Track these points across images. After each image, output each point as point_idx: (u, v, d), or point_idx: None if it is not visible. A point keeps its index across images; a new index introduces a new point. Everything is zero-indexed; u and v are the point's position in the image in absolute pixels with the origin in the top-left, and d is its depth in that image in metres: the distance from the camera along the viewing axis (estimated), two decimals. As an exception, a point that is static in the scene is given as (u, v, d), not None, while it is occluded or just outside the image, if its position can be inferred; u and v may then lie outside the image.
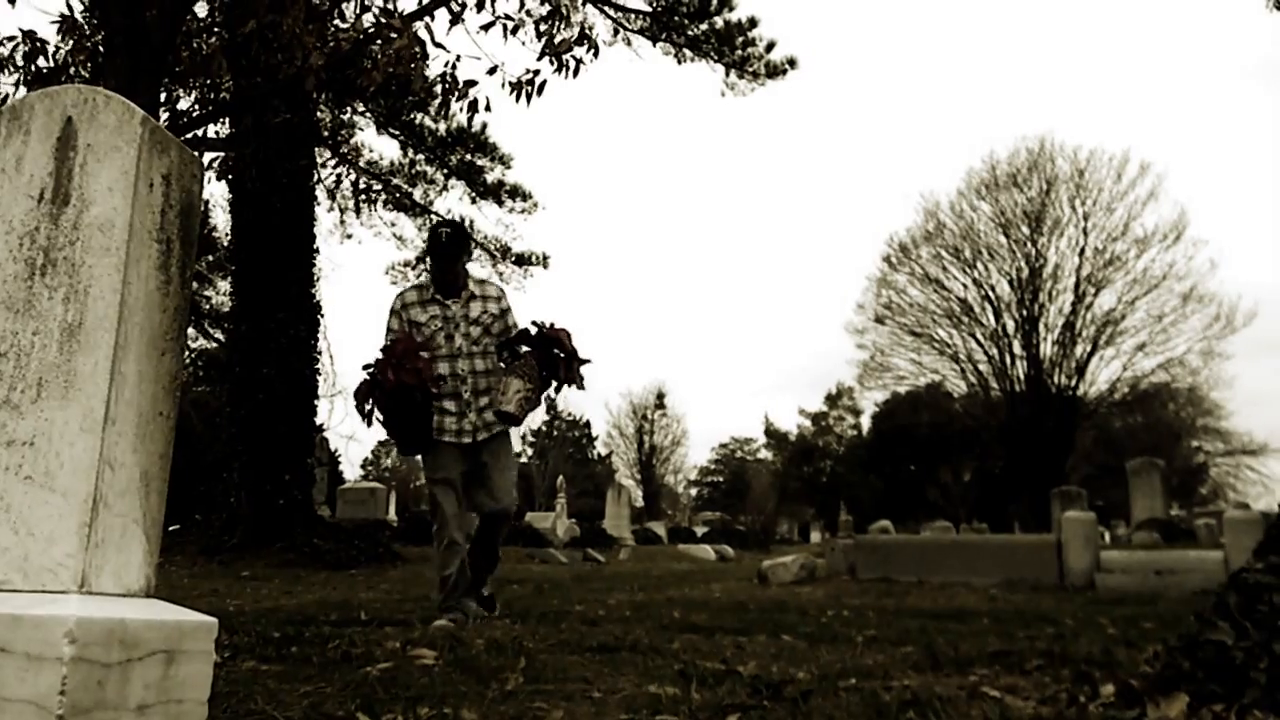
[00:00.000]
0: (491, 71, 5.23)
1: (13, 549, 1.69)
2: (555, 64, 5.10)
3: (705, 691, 2.52)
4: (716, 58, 16.69)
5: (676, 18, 16.24)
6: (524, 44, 4.96)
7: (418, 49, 4.49)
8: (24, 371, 1.75)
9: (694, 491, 62.46)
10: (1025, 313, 33.75)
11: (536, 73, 5.19)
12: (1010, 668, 3.14)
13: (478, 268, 17.97)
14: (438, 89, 4.92)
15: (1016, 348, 34.01)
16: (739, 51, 16.58)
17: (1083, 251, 33.04)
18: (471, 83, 5.00)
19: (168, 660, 1.71)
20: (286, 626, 4.15)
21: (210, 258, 16.23)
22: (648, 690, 2.54)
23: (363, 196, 14.68)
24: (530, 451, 54.19)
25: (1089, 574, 8.05)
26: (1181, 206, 39.04)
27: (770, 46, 16.62)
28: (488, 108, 5.07)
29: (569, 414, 57.83)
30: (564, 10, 5.41)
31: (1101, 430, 37.48)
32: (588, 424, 58.26)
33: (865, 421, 52.71)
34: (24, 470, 1.71)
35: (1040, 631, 4.49)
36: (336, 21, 5.38)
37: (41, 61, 5.37)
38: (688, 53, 16.50)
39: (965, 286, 34.77)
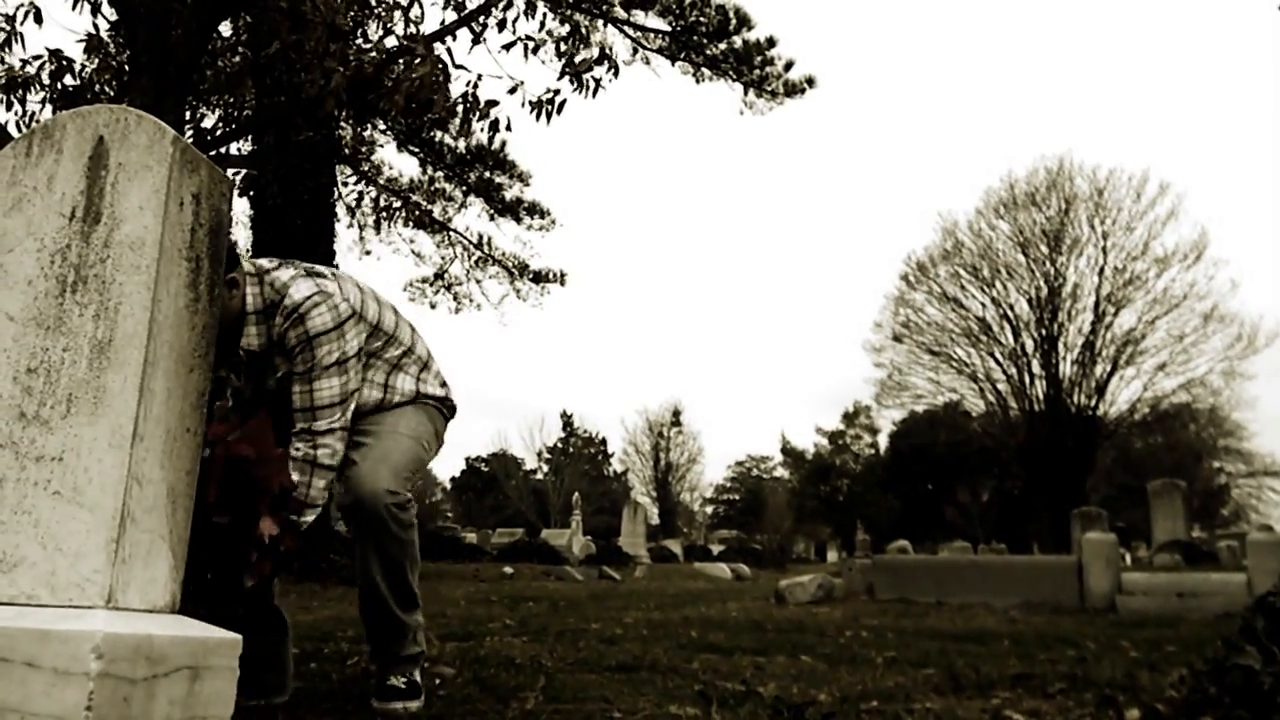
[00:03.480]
0: (513, 91, 5.27)
1: (41, 564, 1.70)
2: (575, 83, 5.14)
3: (726, 713, 2.51)
4: (735, 77, 16.75)
5: (695, 37, 16.31)
6: (544, 63, 4.98)
7: (439, 71, 4.53)
8: (54, 387, 1.77)
9: (710, 509, 62.26)
10: (1044, 332, 33.55)
11: (557, 92, 5.23)
12: (1033, 691, 3.12)
13: (495, 286, 18.06)
14: (459, 109, 4.95)
15: (1035, 367, 33.80)
16: (757, 70, 16.64)
17: (1102, 271, 32.86)
18: (493, 103, 5.04)
19: (193, 676, 1.71)
20: (304, 643, 4.15)
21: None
22: (668, 710, 2.53)
23: (383, 213, 14.76)
24: (546, 468, 54.21)
25: (1110, 596, 7.97)
26: (1202, 226, 38.93)
27: (789, 65, 16.67)
28: (508, 127, 5.10)
29: (585, 431, 57.86)
30: (583, 30, 5.44)
31: (1122, 451, 37.16)
32: (604, 441, 58.22)
33: (883, 440, 52.53)
34: (52, 485, 1.73)
35: (1062, 654, 4.45)
36: (359, 42, 5.43)
37: (68, 80, 5.44)
38: (706, 72, 16.56)
39: (984, 305, 34.61)
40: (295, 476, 2.45)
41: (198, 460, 1.92)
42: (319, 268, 2.63)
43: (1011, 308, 34.09)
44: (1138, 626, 6.27)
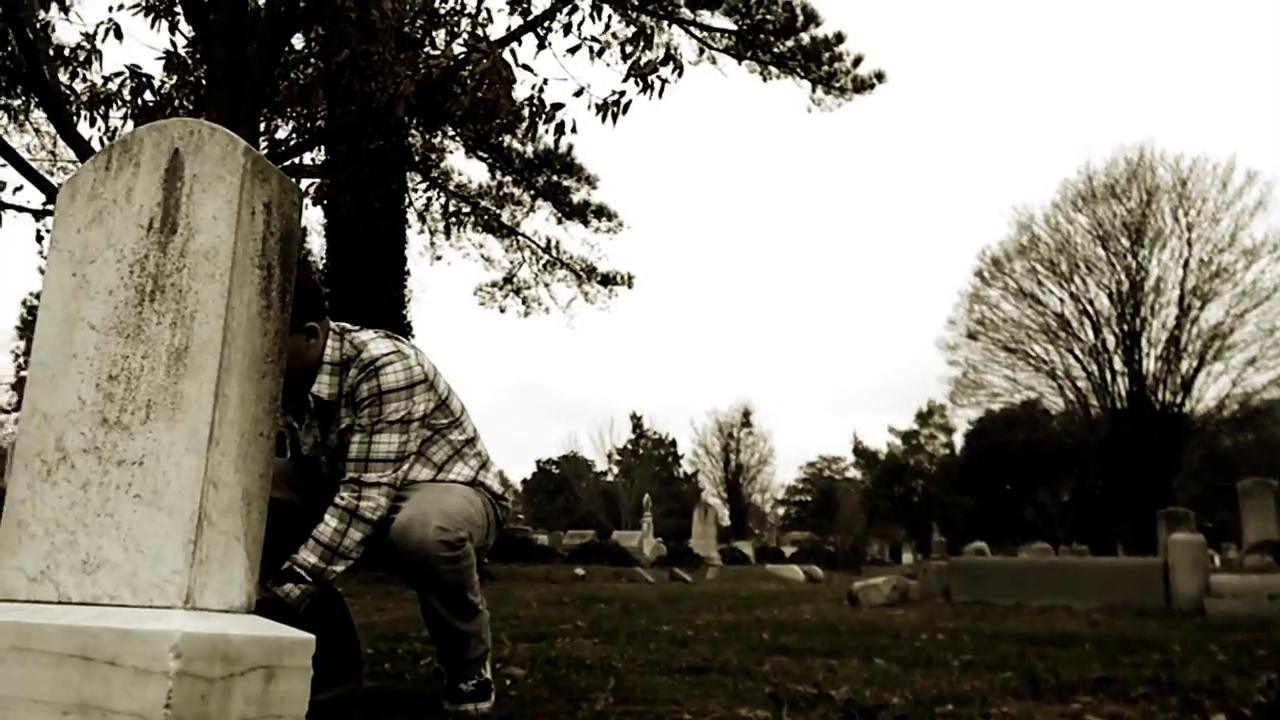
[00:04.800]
0: (578, 94, 5.30)
1: (123, 565, 1.75)
2: (640, 85, 5.14)
3: (797, 715, 2.48)
4: (803, 74, 16.64)
5: (762, 35, 16.24)
6: (608, 66, 5.00)
7: (504, 73, 4.57)
8: (134, 394, 1.82)
9: (781, 511, 61.88)
10: (1126, 327, 32.64)
11: (622, 94, 5.24)
12: (1115, 696, 3.03)
13: (564, 289, 18.16)
14: (525, 112, 4.99)
15: (1117, 363, 32.90)
16: (825, 67, 16.50)
17: (1186, 264, 31.86)
18: (559, 105, 5.07)
19: (268, 676, 1.75)
20: (379, 643, 4.22)
21: (320, 289, 16.75)
22: (739, 713, 2.51)
23: (451, 219, 14.97)
24: (616, 470, 54.39)
25: (1197, 598, 7.72)
26: (1292, 215, 37.44)
27: (858, 61, 16.51)
28: (574, 129, 5.13)
29: (654, 432, 57.93)
30: (649, 32, 5.45)
31: (1210, 449, 36.03)
32: (674, 442, 58.25)
33: (958, 440, 51.64)
34: (133, 489, 1.78)
35: (1146, 658, 4.32)
36: (427, 49, 5.50)
37: (148, 96, 5.61)
38: (773, 70, 16.48)
39: (1062, 301, 33.80)
40: (333, 524, 2.44)
41: (271, 463, 1.96)
42: (398, 336, 2.69)
43: (1091, 303, 33.25)
44: (1227, 630, 6.06)
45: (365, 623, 5.76)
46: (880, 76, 16.57)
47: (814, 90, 16.55)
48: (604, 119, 5.23)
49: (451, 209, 15.46)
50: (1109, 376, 33.05)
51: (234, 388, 1.84)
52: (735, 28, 15.95)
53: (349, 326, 2.65)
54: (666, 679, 3.22)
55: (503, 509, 2.84)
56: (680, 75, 5.39)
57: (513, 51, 4.91)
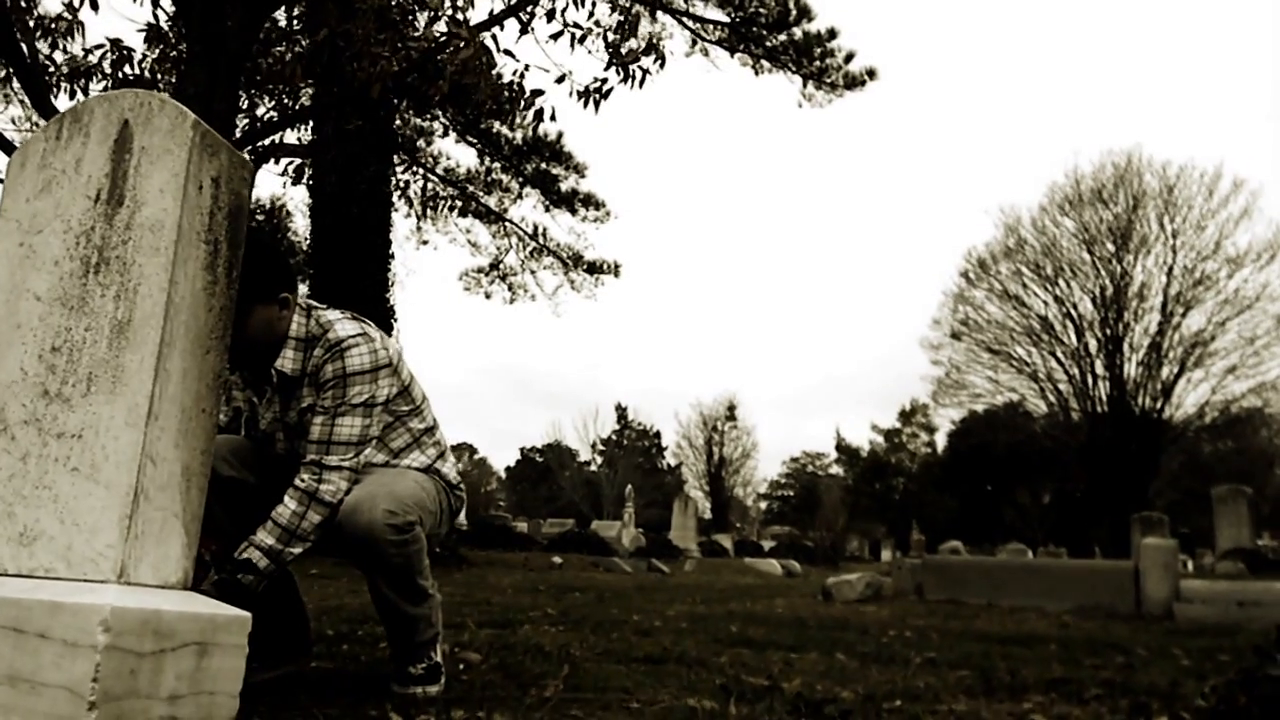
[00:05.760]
0: (560, 80, 5.28)
1: (59, 538, 1.74)
2: (621, 74, 5.12)
3: (744, 707, 2.48)
4: (794, 69, 16.60)
5: (755, 29, 16.19)
6: (590, 53, 4.97)
7: (483, 59, 4.54)
8: (75, 366, 1.80)
9: (764, 505, 62.04)
10: (1109, 332, 32.81)
11: (604, 81, 5.22)
12: (1068, 696, 3.04)
13: (550, 276, 18.12)
14: (504, 96, 4.97)
15: (1099, 368, 33.07)
16: (817, 63, 16.48)
17: (1171, 270, 32.03)
18: (538, 92, 5.05)
19: (201, 652, 1.74)
20: (343, 625, 4.21)
21: (291, 261, 16.66)
22: (686, 703, 2.51)
23: (429, 202, 14.91)
24: (599, 460, 54.41)
25: (1167, 603, 7.77)
26: (1277, 225, 37.76)
27: (849, 57, 16.49)
28: (553, 117, 5.11)
29: (639, 423, 57.97)
30: (637, 19, 5.43)
31: (1190, 455, 36.24)
32: (658, 434, 58.31)
33: (940, 439, 51.87)
34: (71, 462, 1.76)
35: (1109, 660, 4.34)
36: (409, 30, 5.47)
37: (128, 69, 5.56)
38: (766, 64, 16.45)
39: (1046, 304, 33.96)
40: (292, 506, 2.41)
41: (213, 440, 1.94)
42: (365, 319, 2.65)
43: (1075, 307, 33.41)
44: (1194, 635, 6.10)
45: (336, 604, 5.75)
46: (871, 74, 16.56)
47: (805, 85, 16.53)
48: (585, 105, 5.21)
49: (429, 193, 15.39)
50: (1090, 380, 33.25)
51: (175, 362, 1.82)
52: (728, 20, 15.91)
53: (315, 304, 2.62)
54: (622, 668, 3.22)
55: (457, 499, 2.80)
56: (662, 66, 5.37)
57: (494, 37, 4.89)
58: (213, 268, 1.92)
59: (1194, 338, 31.99)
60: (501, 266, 18.04)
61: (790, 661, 3.66)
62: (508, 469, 62.71)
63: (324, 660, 3.17)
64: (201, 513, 1.92)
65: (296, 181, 6.30)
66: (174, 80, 5.99)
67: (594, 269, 17.72)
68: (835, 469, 61.27)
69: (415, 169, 15.21)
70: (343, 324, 2.54)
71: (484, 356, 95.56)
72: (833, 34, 16.19)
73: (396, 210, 14.18)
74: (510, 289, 18.29)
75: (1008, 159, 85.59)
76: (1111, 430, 31.84)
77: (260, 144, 6.43)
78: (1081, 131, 75.07)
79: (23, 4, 5.60)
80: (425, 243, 17.83)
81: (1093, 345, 33.27)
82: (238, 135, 5.97)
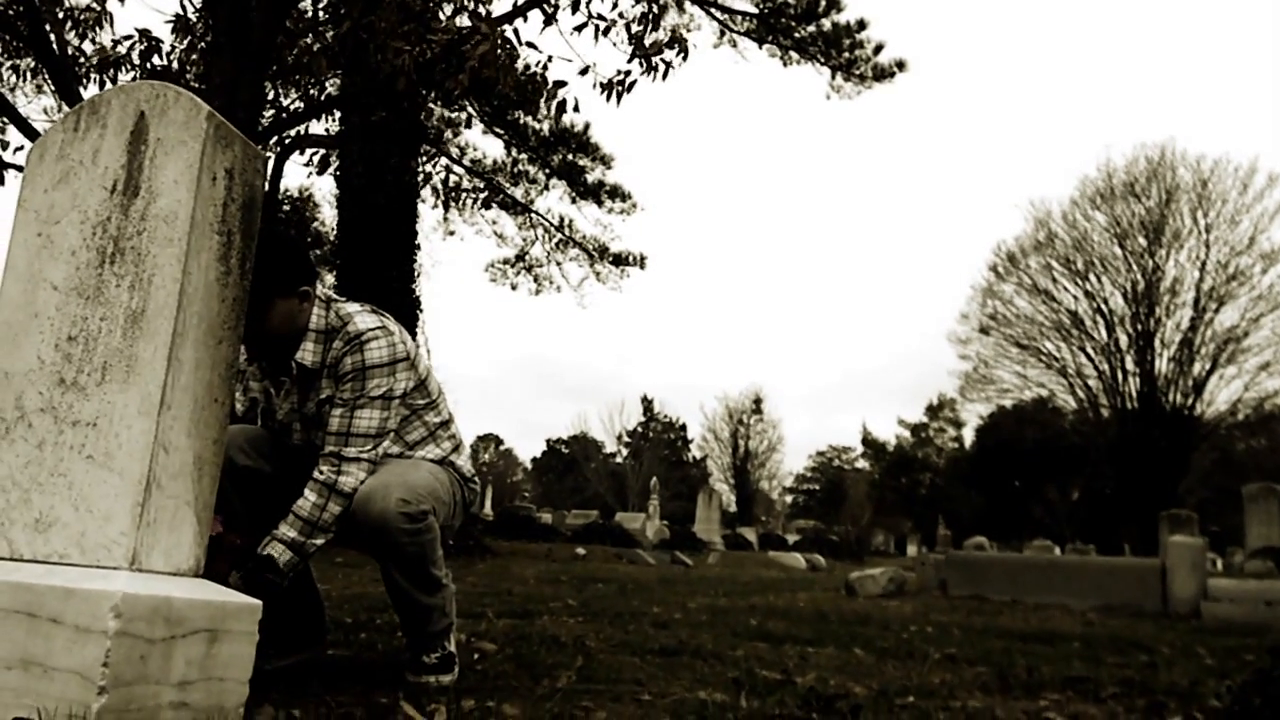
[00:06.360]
0: (583, 72, 5.27)
1: (73, 525, 1.76)
2: (644, 66, 5.11)
3: (755, 700, 2.48)
4: (823, 60, 16.49)
5: (783, 20, 16.09)
6: (614, 45, 4.97)
7: (504, 51, 4.54)
8: (91, 355, 1.82)
9: (789, 498, 61.91)
10: (1140, 327, 32.41)
11: (627, 73, 5.21)
12: (1085, 695, 3.02)
13: (576, 268, 18.13)
14: (527, 88, 4.97)
15: (1129, 363, 32.68)
16: (846, 54, 16.36)
17: (1203, 265, 31.58)
18: (561, 83, 5.05)
19: (211, 639, 1.76)
20: (362, 613, 4.25)
21: (317, 252, 16.76)
22: (697, 696, 2.52)
23: (452, 194, 14.95)
24: (625, 452, 54.49)
25: (1194, 602, 7.68)
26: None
27: (879, 49, 16.36)
28: (576, 108, 5.11)
29: (664, 416, 57.97)
30: (655, 12, 5.41)
31: (1223, 452, 35.77)
32: (683, 426, 58.29)
33: (967, 434, 51.46)
34: (86, 450, 1.78)
35: (1132, 659, 4.31)
36: (435, 22, 5.48)
37: (156, 60, 5.61)
38: (794, 55, 16.34)
39: (1076, 299, 33.57)
40: (312, 499, 2.43)
41: (225, 429, 1.96)
42: (384, 312, 2.66)
43: (1105, 301, 33.02)
44: (1220, 634, 6.03)
45: (359, 593, 5.80)
46: (901, 65, 16.42)
47: (833, 77, 16.41)
48: (608, 98, 5.21)
49: (452, 184, 15.39)
50: (1120, 376, 32.87)
51: (188, 352, 1.84)
52: (756, 11, 15.82)
53: (334, 296, 2.64)
54: (636, 660, 3.23)
55: (471, 492, 2.82)
56: (685, 59, 5.35)
57: (515, 31, 4.89)
58: (226, 259, 1.94)
59: (1227, 333, 31.56)
60: (527, 258, 18.08)
61: (806, 656, 3.66)
62: (534, 460, 63.00)
63: (340, 648, 3.20)
64: (214, 501, 1.94)
65: (321, 171, 6.34)
66: (202, 70, 6.04)
67: (620, 261, 17.72)
68: (861, 463, 61.06)
69: (440, 160, 15.25)
70: (362, 317, 2.55)
71: (510, 348, 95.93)
72: (862, 25, 16.06)
73: (423, 201, 14.24)
74: (536, 280, 18.34)
75: (1038, 152, 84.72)
76: (1142, 427, 31.47)
77: (287, 134, 6.47)
78: (1114, 125, 74.21)
79: (54, -5, 5.66)
80: (452, 233, 17.88)
81: (1123, 341, 32.89)
82: (264, 125, 6.01)
